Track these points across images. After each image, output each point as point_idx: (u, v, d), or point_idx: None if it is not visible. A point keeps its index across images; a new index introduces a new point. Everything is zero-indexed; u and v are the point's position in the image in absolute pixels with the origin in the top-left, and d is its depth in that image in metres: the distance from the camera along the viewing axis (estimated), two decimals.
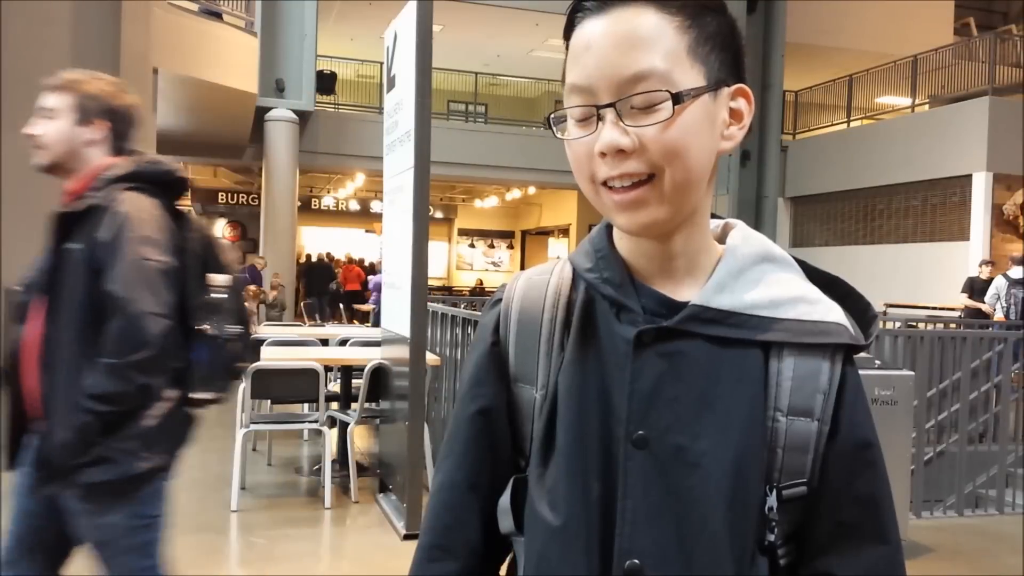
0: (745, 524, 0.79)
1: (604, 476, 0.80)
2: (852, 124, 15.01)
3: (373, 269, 16.48)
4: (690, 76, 0.76)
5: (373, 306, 11.72)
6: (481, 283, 22.96)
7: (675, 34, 0.76)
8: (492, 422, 0.89)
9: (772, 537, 0.80)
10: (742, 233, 0.86)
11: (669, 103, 0.74)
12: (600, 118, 0.76)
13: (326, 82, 15.17)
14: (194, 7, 10.93)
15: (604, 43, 0.76)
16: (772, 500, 0.80)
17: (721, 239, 0.87)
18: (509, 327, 0.90)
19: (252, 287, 12.08)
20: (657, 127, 0.75)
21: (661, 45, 0.75)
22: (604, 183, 0.78)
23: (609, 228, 0.88)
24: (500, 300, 0.92)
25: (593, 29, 0.77)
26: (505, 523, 0.88)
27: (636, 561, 0.78)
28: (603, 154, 0.76)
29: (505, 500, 0.88)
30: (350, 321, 12.65)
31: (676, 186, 0.77)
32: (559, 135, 0.81)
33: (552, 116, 0.81)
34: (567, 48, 0.81)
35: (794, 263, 0.87)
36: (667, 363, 0.80)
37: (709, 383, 0.80)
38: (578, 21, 0.79)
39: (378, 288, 10.66)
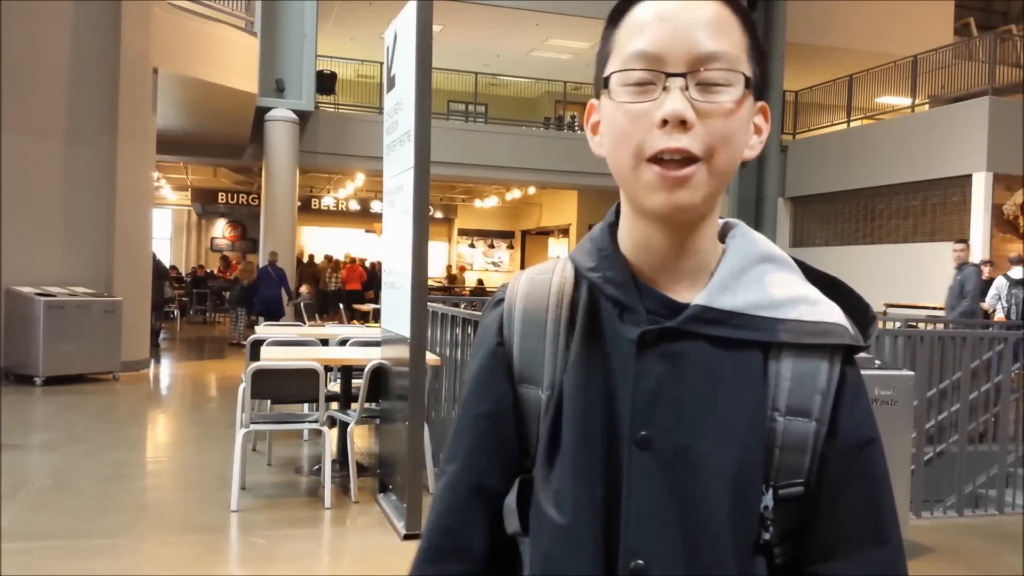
0: (747, 524, 0.79)
1: (609, 476, 0.80)
2: (852, 124, 15.01)
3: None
4: (749, 71, 0.80)
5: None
6: (480, 282, 22.96)
7: (740, 31, 0.81)
8: (498, 423, 0.89)
9: (767, 536, 0.80)
10: (742, 232, 0.86)
11: (740, 86, 0.78)
12: (666, 88, 0.77)
13: (326, 82, 15.16)
14: (194, 7, 10.92)
15: (682, 18, 0.78)
16: (768, 499, 0.80)
17: (720, 238, 0.87)
18: (513, 328, 0.89)
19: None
20: (721, 107, 0.77)
21: (733, 35, 0.80)
22: (651, 158, 0.78)
23: (612, 227, 0.88)
24: (502, 300, 0.92)
25: (666, 5, 0.79)
26: (511, 523, 0.88)
27: (641, 562, 0.78)
28: (664, 123, 0.76)
29: (511, 500, 0.88)
30: (350, 321, 12.62)
31: (720, 173, 0.79)
32: (613, 99, 0.80)
33: (606, 77, 0.81)
34: (613, 24, 0.82)
35: (793, 263, 0.87)
36: (670, 364, 0.80)
37: (711, 384, 0.80)
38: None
39: None
